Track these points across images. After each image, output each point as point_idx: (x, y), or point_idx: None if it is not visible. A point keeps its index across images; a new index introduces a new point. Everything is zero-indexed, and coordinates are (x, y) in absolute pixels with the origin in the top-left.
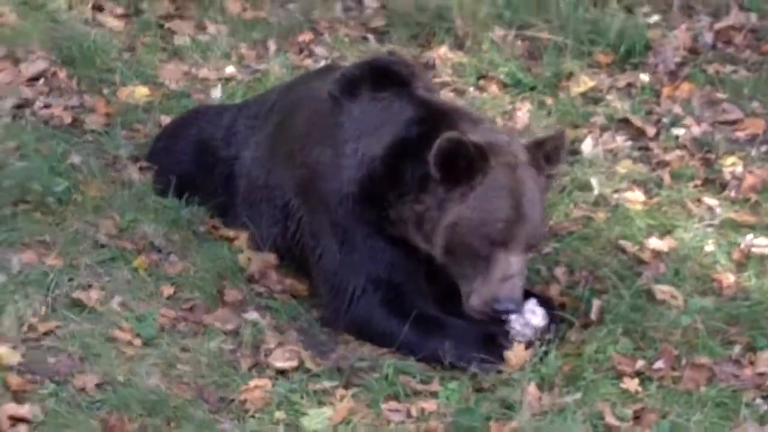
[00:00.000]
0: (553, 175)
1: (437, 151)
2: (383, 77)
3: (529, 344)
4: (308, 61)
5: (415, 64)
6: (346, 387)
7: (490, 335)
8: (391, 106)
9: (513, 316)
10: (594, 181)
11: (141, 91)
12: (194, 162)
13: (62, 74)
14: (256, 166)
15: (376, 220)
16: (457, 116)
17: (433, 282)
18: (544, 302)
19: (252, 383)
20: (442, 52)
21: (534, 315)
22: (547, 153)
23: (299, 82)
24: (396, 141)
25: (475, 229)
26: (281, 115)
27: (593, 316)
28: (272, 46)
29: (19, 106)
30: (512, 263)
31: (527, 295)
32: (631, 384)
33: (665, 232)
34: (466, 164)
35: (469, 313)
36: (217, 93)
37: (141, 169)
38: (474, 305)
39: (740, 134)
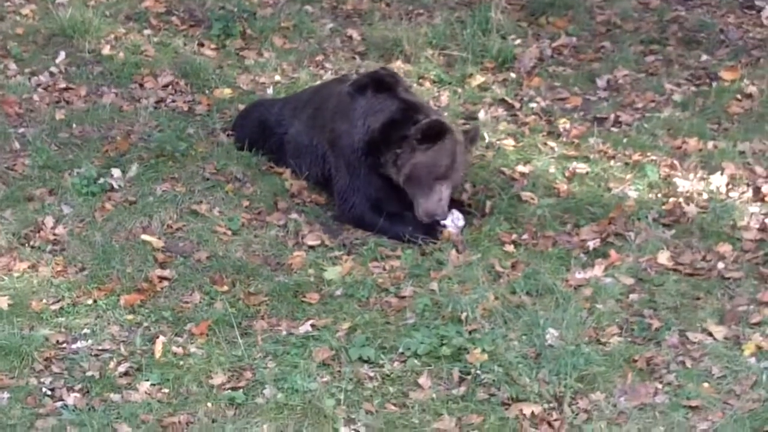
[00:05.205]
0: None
1: (426, 125)
2: (380, 83)
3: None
4: (321, 72)
5: (397, 74)
6: (348, 254)
7: (432, 225)
8: (385, 101)
9: (446, 220)
10: (486, 134)
11: (227, 91)
12: (258, 133)
13: (181, 83)
14: (300, 135)
15: (373, 164)
16: (426, 109)
17: (402, 204)
18: (461, 206)
19: (295, 254)
20: (398, 64)
21: (458, 219)
22: (469, 138)
23: (325, 85)
24: (389, 119)
25: (427, 168)
26: (316, 104)
27: (487, 210)
28: (301, 63)
29: (158, 102)
30: (443, 191)
31: (453, 204)
32: (509, 248)
33: (527, 162)
34: (436, 133)
35: (419, 218)
36: (270, 91)
37: (228, 135)
38: (421, 214)
39: (567, 106)
